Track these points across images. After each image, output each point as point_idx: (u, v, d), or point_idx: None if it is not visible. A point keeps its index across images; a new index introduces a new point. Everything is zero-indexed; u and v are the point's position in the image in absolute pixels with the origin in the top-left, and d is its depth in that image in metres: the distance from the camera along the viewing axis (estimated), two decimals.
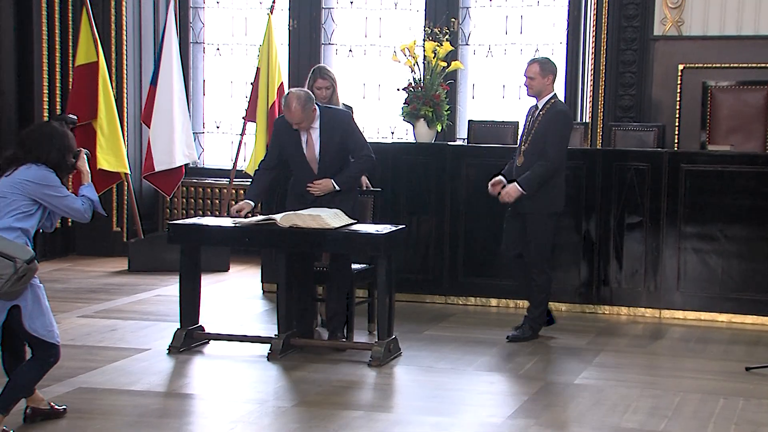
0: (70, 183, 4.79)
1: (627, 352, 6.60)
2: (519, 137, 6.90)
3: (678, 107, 8.91)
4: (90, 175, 4.93)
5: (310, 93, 6.36)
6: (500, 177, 6.72)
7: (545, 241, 6.70)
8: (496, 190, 6.66)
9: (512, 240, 6.77)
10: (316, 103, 6.38)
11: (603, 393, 5.62)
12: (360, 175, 6.57)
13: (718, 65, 8.85)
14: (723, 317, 7.48)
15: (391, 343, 6.22)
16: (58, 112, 9.61)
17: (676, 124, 8.90)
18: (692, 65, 8.90)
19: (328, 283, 6.53)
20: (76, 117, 5.19)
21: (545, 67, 6.67)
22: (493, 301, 7.83)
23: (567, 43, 9.44)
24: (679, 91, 8.91)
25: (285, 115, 6.30)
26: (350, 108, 7.30)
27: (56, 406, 4.94)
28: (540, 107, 6.66)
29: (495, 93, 9.77)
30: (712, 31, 8.91)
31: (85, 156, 4.90)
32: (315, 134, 6.37)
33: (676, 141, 8.88)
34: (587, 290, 7.72)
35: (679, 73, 8.91)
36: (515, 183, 6.58)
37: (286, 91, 8.80)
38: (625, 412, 5.28)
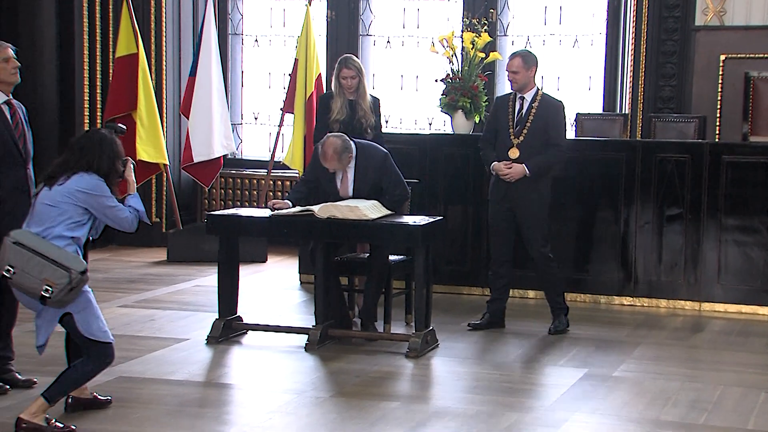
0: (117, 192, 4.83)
1: (666, 344, 6.54)
2: (491, 130, 6.76)
3: (719, 98, 8.81)
4: (136, 185, 4.95)
5: (347, 141, 6.34)
6: (496, 163, 6.66)
7: (544, 220, 6.68)
8: (503, 168, 6.57)
9: (505, 247, 6.72)
10: (353, 141, 6.40)
11: (642, 386, 5.57)
12: (395, 207, 6.50)
13: (760, 55, 8.74)
14: (764, 310, 7.40)
15: (428, 334, 6.21)
16: (99, 103, 9.70)
17: (717, 115, 8.80)
18: (734, 55, 8.79)
19: (366, 274, 6.54)
20: (125, 126, 5.23)
21: (527, 59, 6.65)
22: (531, 293, 7.79)
23: (607, 34, 9.36)
24: (720, 81, 8.80)
25: (321, 160, 6.33)
26: (377, 100, 7.31)
27: (100, 397, 4.98)
28: (529, 99, 6.62)
29: None
30: (754, 20, 8.79)
31: (132, 165, 4.93)
32: (350, 173, 6.44)
33: (717, 132, 8.78)
34: (626, 282, 7.66)
35: (721, 64, 8.80)
36: (523, 164, 6.54)
37: (324, 87, 8.87)
38: (665, 405, 5.24)
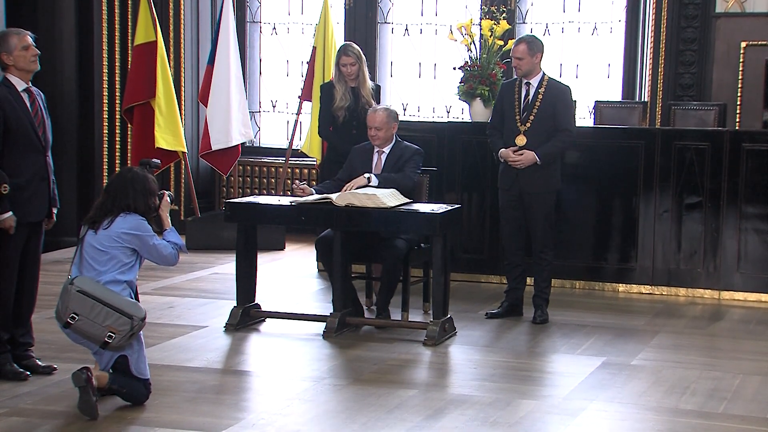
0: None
1: (685, 333, 6.52)
2: (497, 116, 6.73)
3: (740, 86, 8.75)
4: (170, 220, 5.03)
5: (398, 115, 6.60)
6: (504, 150, 6.65)
7: (551, 219, 6.70)
8: (512, 154, 6.55)
9: (516, 236, 6.72)
10: (397, 137, 6.58)
11: (661, 374, 5.56)
12: (393, 181, 6.53)
13: None
14: None
15: (446, 322, 6.22)
16: (117, 91, 9.72)
17: (738, 103, 8.74)
18: (755, 42, 8.72)
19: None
20: (159, 161, 5.32)
21: (533, 46, 6.60)
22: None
23: (626, 21, 9.31)
24: (741, 69, 8.74)
25: (369, 117, 6.53)
26: (378, 87, 7.36)
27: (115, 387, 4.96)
28: (535, 85, 6.59)
29: (552, 72, 9.65)
30: None
31: (168, 199, 4.99)
32: (383, 157, 6.58)
33: (737, 120, 8.72)
34: (644, 271, 7.64)
35: (742, 51, 8.74)
36: (533, 152, 6.51)
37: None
38: (684, 393, 5.23)
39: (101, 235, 4.76)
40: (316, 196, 6.34)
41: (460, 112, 9.81)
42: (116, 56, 9.72)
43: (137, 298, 4.89)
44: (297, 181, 6.46)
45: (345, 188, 6.41)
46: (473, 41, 8.03)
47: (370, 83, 7.25)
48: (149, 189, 4.88)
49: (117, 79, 9.74)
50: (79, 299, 4.67)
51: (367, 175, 6.44)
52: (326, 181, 6.71)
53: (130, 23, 9.65)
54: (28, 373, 5.26)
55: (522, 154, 6.54)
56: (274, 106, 10.56)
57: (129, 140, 9.72)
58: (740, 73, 8.74)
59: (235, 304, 6.47)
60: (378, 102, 7.29)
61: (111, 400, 4.87)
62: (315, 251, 6.63)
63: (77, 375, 4.65)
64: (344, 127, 7.21)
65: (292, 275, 8.15)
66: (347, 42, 7.44)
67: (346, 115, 7.16)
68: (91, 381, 4.63)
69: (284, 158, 9.74)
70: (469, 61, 8.00)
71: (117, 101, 9.75)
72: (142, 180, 4.87)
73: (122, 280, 4.78)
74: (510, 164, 6.59)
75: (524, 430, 4.70)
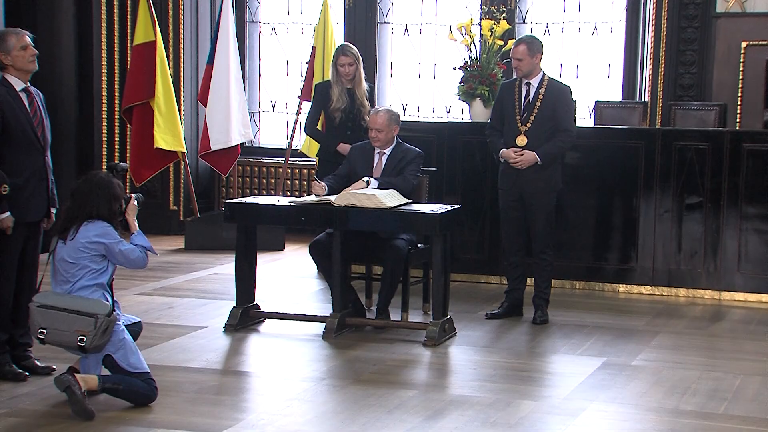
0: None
1: (686, 333, 6.52)
2: (497, 117, 6.72)
3: (740, 86, 8.75)
4: (137, 223, 5.02)
5: (399, 117, 6.58)
6: (505, 150, 6.64)
7: (551, 219, 6.70)
8: (513, 155, 6.54)
9: (517, 236, 6.72)
10: (398, 139, 6.57)
11: (661, 375, 5.56)
12: (393, 185, 6.53)
13: None
14: None
15: (446, 323, 6.22)
16: (117, 91, 9.72)
17: (738, 103, 8.74)
18: (756, 42, 8.72)
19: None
20: (127, 165, 5.32)
21: (532, 46, 6.60)
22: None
23: (626, 21, 9.31)
24: (741, 69, 8.74)
25: (369, 119, 6.52)
26: (372, 88, 7.39)
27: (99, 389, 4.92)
28: (535, 85, 6.59)
29: (553, 72, 9.66)
30: None
31: (135, 203, 4.98)
32: (384, 158, 6.56)
33: (737, 120, 8.72)
34: (645, 271, 7.64)
35: (742, 51, 8.74)
36: (534, 152, 6.51)
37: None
38: (684, 394, 5.23)
39: (69, 246, 4.79)
40: (315, 197, 6.34)
41: (460, 113, 9.81)
42: (115, 56, 9.72)
43: (113, 297, 4.86)
44: (314, 182, 6.44)
45: (344, 191, 6.40)
46: (473, 41, 8.03)
47: (365, 84, 7.27)
48: (113, 194, 4.86)
49: (116, 79, 9.74)
50: (42, 313, 4.74)
51: (366, 178, 6.44)
52: (327, 180, 6.69)
53: (129, 23, 9.65)
54: (27, 373, 5.26)
55: (522, 155, 6.54)
56: (273, 106, 10.56)
57: (128, 140, 9.72)
58: (741, 73, 8.74)
59: (235, 305, 6.47)
60: (372, 104, 7.30)
61: (114, 401, 4.86)
62: (309, 256, 6.61)
63: (59, 379, 4.66)
64: (339, 128, 7.24)
65: (291, 276, 8.15)
66: (344, 43, 7.46)
67: (342, 116, 7.19)
68: (78, 382, 4.60)
69: (284, 158, 9.74)
70: (469, 61, 8.00)
71: (116, 101, 9.76)
72: (106, 185, 4.86)
73: (92, 284, 4.81)
74: (511, 164, 6.59)
75: (524, 431, 4.70)
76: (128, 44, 9.62)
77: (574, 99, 6.86)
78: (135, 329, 5.08)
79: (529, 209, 6.66)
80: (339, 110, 7.17)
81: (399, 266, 6.39)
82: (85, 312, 4.69)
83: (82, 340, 4.67)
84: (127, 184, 9.45)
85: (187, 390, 5.15)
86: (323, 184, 6.39)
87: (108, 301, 4.79)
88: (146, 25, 9.18)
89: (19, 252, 5.24)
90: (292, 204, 6.34)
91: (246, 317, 6.44)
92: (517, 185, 6.64)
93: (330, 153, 7.26)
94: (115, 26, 9.66)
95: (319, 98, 7.34)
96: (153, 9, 9.22)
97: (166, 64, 9.29)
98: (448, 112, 10.06)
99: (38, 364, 5.35)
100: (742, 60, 8.74)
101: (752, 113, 8.67)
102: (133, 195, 5.02)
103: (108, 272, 4.87)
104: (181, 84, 9.90)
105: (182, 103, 9.85)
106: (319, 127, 7.61)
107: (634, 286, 7.67)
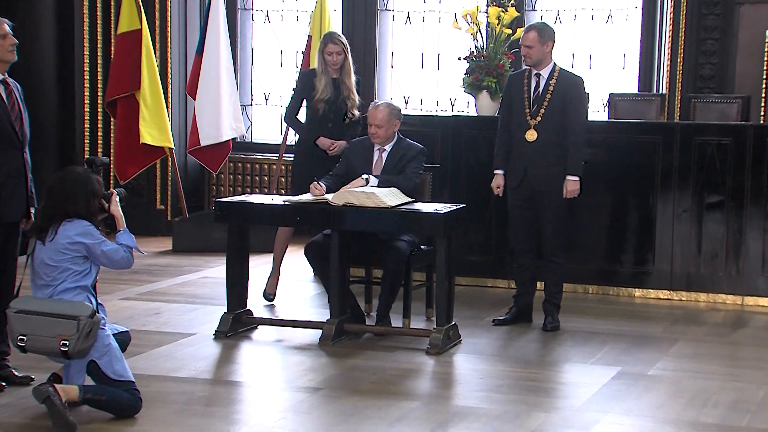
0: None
1: (706, 341, 6.53)
2: (506, 112, 6.75)
3: (764, 77, 8.74)
4: (124, 220, 4.99)
5: (401, 112, 6.62)
6: (501, 173, 6.70)
7: (563, 219, 6.70)
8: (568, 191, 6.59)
9: (526, 237, 6.73)
10: (399, 134, 6.57)
11: (680, 385, 5.57)
12: (394, 184, 6.53)
13: None
14: None
15: (450, 329, 6.22)
16: (100, 83, 9.73)
17: (762, 95, 8.74)
18: None
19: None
20: (108, 159, 5.30)
21: (543, 33, 6.59)
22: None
23: (643, 8, 9.32)
24: (765, 59, 8.73)
25: (369, 114, 6.52)
26: (359, 79, 7.43)
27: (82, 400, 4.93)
28: (546, 76, 6.59)
29: (564, 62, 9.66)
30: None
31: (117, 198, 4.97)
32: (384, 155, 6.58)
33: (761, 114, 8.73)
34: (662, 275, 7.64)
35: (766, 40, 8.74)
36: (568, 177, 6.52)
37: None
38: (704, 405, 5.23)
39: (49, 248, 4.79)
40: (309, 196, 6.34)
41: (466, 106, 9.82)
42: (98, 45, 9.73)
43: (96, 300, 4.86)
44: (313, 185, 6.44)
45: (342, 189, 6.41)
46: (479, 30, 8.03)
47: (354, 76, 7.28)
48: (92, 191, 4.85)
49: (99, 70, 9.75)
50: (21, 319, 4.74)
51: (365, 176, 6.44)
52: (324, 180, 6.69)
53: (113, 10, 9.67)
54: (5, 384, 5.26)
55: (572, 191, 6.53)
56: (267, 99, 10.57)
57: (112, 135, 9.73)
58: (765, 63, 8.74)
59: (226, 311, 6.47)
60: (371, 97, 7.32)
61: (96, 413, 4.86)
62: (306, 258, 6.61)
63: (38, 389, 4.65)
64: (320, 120, 7.24)
65: (286, 279, 8.14)
66: (332, 30, 7.48)
67: (325, 107, 7.20)
68: (58, 393, 4.60)
69: (278, 155, 9.75)
70: (475, 51, 8.01)
71: (99, 93, 9.77)
72: (83, 181, 4.85)
73: (74, 286, 4.80)
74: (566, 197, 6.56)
75: None
76: (112, 33, 9.63)
77: (586, 91, 6.86)
78: (123, 338, 5.08)
79: (539, 208, 6.67)
80: (323, 101, 7.18)
81: (400, 269, 6.39)
82: (66, 315, 4.69)
83: (64, 345, 4.67)
84: (111, 181, 9.46)
85: (175, 401, 5.16)
86: (322, 185, 6.39)
87: (92, 303, 4.79)
88: (131, 13, 9.19)
89: None
90: (286, 203, 6.34)
91: (238, 323, 6.45)
92: (526, 182, 6.64)
93: (308, 145, 7.27)
94: (98, 13, 9.67)
95: (302, 86, 7.35)
96: None
97: (153, 53, 9.30)
98: (452, 105, 10.07)
99: (16, 374, 5.35)
100: (766, 49, 8.74)
101: None
102: (114, 190, 5.01)
103: (92, 274, 4.87)
104: (169, 75, 9.91)
105: (170, 95, 9.86)
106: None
107: (651, 290, 7.68)
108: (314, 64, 7.89)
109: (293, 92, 7.55)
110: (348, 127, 7.30)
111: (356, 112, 7.27)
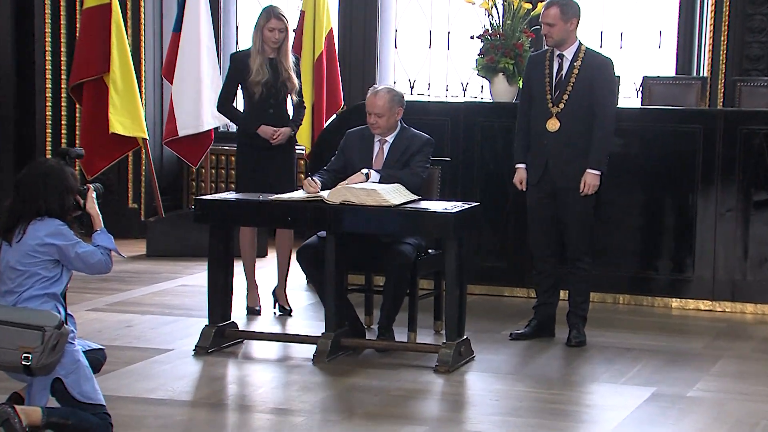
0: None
1: (753, 358, 6.55)
2: (526, 98, 6.78)
3: None
4: (101, 218, 5.01)
5: (403, 98, 6.64)
6: (523, 167, 6.71)
7: (590, 219, 6.72)
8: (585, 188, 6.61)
9: (548, 240, 6.75)
10: (402, 123, 6.60)
11: (723, 408, 5.59)
12: (398, 180, 6.56)
13: None
14: None
15: (462, 344, 6.24)
16: (63, 65, 9.74)
17: None
18: None
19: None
20: (82, 150, 5.29)
21: (567, 9, 6.60)
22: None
23: None
24: None
25: (368, 101, 6.55)
26: (298, 59, 7.51)
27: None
28: (570, 57, 6.62)
29: (591, 41, 9.68)
30: None
31: (94, 194, 4.98)
32: (386, 147, 6.61)
33: None
34: (703, 283, 7.66)
35: None
36: (588, 171, 6.54)
37: (337, 45, 8.92)
38: (752, 431, 5.25)
39: (16, 249, 4.79)
40: (303, 193, 6.36)
41: (479, 91, 9.84)
42: (61, 21, 9.75)
43: (66, 310, 4.88)
44: (306, 181, 6.47)
45: (339, 185, 6.43)
46: (495, 4, 8.05)
47: (291, 56, 7.33)
48: (66, 186, 4.85)
49: (63, 49, 9.77)
50: None
51: (365, 171, 6.47)
52: (320, 176, 6.72)
53: None
54: None
55: (590, 185, 6.55)
56: None
57: (77, 124, 9.75)
58: None
59: (207, 323, 6.49)
60: (299, 80, 7.34)
61: None
62: (297, 264, 6.64)
63: None
64: (259, 106, 7.26)
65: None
66: (272, 5, 7.48)
67: (263, 91, 7.22)
68: (18, 415, 4.62)
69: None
70: (490, 29, 8.03)
71: (63, 77, 9.79)
72: (57, 175, 4.84)
73: (42, 293, 4.79)
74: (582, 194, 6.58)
75: None
76: (77, 7, 9.65)
77: (616, 74, 6.88)
78: (96, 357, 5.07)
79: (563, 207, 6.69)
80: (259, 83, 7.20)
81: (405, 276, 6.41)
82: (30, 324, 4.64)
83: (27, 358, 4.62)
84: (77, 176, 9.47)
85: (150, 426, 5.18)
86: (317, 182, 6.41)
87: (60, 313, 4.81)
88: None
89: None
90: (276, 201, 6.36)
91: (220, 338, 6.47)
92: (547, 178, 6.66)
93: (248, 135, 7.30)
94: None
95: (234, 70, 7.38)
96: None
97: (124, 31, 9.31)
98: (464, 90, 10.09)
99: None
100: None
101: None
102: (91, 185, 5.03)
103: (62, 281, 4.87)
104: (142, 56, 9.93)
105: (143, 78, 9.88)
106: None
107: (690, 300, 7.70)
108: (320, 45, 7.91)
109: (225, 78, 7.56)
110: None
111: (295, 97, 7.32)
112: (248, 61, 7.24)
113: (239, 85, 7.36)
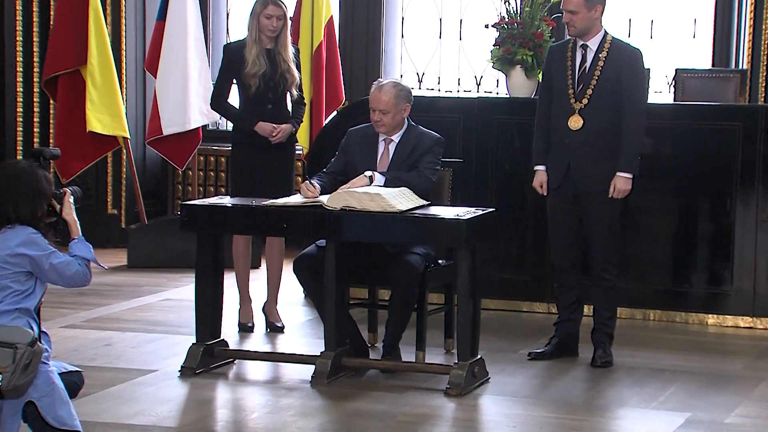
0: None
1: None
2: (546, 93, 6.80)
3: None
4: (79, 225, 5.00)
5: (411, 93, 6.64)
6: (543, 169, 6.72)
7: (617, 227, 6.73)
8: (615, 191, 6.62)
9: (570, 250, 6.76)
10: (410, 120, 6.62)
11: None
12: (405, 183, 6.57)
13: None
14: None
15: (475, 365, 6.24)
16: (36, 56, 9.75)
17: None
18: None
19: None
20: (58, 150, 5.28)
21: None
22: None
23: None
24: None
25: (371, 96, 6.55)
26: (298, 50, 7.51)
27: None
28: (594, 48, 6.62)
29: (618, 31, 9.69)
30: None
31: (71, 198, 4.98)
32: (392, 147, 6.62)
33: None
34: (743, 297, 7.65)
35: None
36: (618, 174, 6.54)
37: (337, 33, 8.92)
38: None
39: None
40: (300, 198, 6.36)
41: (495, 85, 9.85)
42: (34, 9, 9.76)
43: (39, 327, 4.88)
44: (304, 184, 6.46)
45: (340, 189, 6.43)
46: None
47: (291, 48, 7.32)
48: (38, 190, 4.85)
49: (35, 39, 9.79)
50: None
51: (368, 173, 6.46)
52: (320, 178, 6.72)
53: None
54: None
55: (621, 190, 6.55)
56: None
57: (52, 121, 9.76)
58: None
59: (194, 341, 6.50)
60: (300, 72, 7.35)
61: None
62: (294, 276, 6.64)
63: None
64: (256, 101, 7.26)
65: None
66: None
67: (260, 84, 7.22)
68: None
69: None
70: (506, 17, 8.03)
71: (35, 69, 9.80)
72: (28, 178, 4.84)
73: (14, 308, 4.78)
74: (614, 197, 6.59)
75: None
76: None
77: (646, 66, 6.88)
78: (73, 380, 5.06)
79: (587, 213, 6.69)
80: (256, 76, 7.20)
81: (412, 290, 6.41)
82: (1, 342, 4.66)
83: None
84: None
85: None
86: (316, 185, 6.41)
87: (33, 330, 4.81)
88: None
89: None
90: (270, 206, 6.36)
91: (209, 357, 6.47)
92: (570, 182, 6.66)
93: (246, 134, 7.29)
94: None
95: (228, 62, 7.37)
96: None
97: (103, 19, 9.33)
98: (478, 85, 10.11)
99: None
100: None
101: None
102: (68, 189, 5.02)
103: (35, 295, 4.87)
104: (123, 47, 9.95)
105: (124, 72, 9.90)
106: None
107: (729, 316, 7.69)
108: (318, 35, 7.91)
109: (219, 72, 7.53)
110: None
111: (295, 92, 7.31)
112: (243, 51, 7.23)
113: (234, 79, 7.35)
